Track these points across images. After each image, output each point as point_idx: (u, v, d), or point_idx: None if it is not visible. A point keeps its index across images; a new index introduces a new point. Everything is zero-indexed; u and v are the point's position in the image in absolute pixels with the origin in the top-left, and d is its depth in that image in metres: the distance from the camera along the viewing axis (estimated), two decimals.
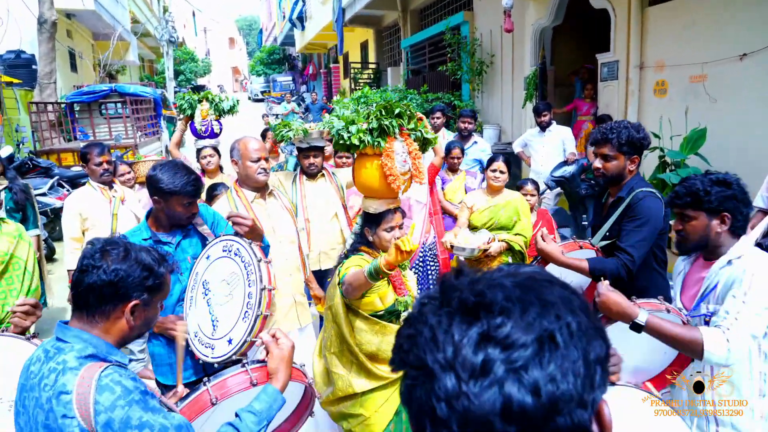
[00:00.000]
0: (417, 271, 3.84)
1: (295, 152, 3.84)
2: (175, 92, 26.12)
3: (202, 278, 2.19)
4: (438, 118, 5.47)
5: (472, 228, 3.71)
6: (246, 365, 1.62)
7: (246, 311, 1.97)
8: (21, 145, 9.14)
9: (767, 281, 1.79)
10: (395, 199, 2.39)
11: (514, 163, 6.53)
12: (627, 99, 6.76)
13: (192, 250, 2.38)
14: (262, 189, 2.97)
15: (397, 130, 2.33)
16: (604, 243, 2.56)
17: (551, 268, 2.52)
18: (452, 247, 3.55)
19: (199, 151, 4.28)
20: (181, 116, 4.12)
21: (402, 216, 2.44)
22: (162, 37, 24.69)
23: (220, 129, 4.11)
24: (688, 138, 5.29)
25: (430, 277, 3.89)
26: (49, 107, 10.42)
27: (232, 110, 4.06)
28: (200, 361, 2.17)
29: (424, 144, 2.51)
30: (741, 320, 1.77)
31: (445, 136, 5.35)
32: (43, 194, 7.11)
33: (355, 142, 2.28)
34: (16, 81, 11.36)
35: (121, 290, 1.34)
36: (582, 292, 2.64)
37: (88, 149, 3.60)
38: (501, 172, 3.69)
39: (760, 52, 5.07)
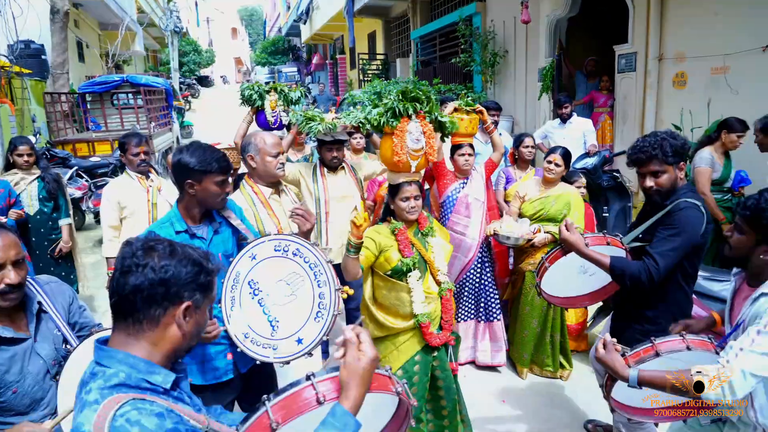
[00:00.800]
0: (476, 268, 3.80)
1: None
2: (180, 83, 26.09)
3: (245, 278, 2.15)
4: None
5: (522, 217, 3.74)
6: (312, 377, 1.36)
7: (318, 311, 2.05)
8: (38, 135, 9.16)
9: None
10: (412, 173, 2.72)
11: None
12: (645, 91, 6.76)
13: (223, 247, 2.29)
14: (276, 185, 2.96)
15: (411, 112, 2.64)
16: (634, 244, 2.53)
17: (572, 258, 2.53)
18: (496, 235, 3.58)
19: None
20: (250, 109, 4.01)
21: (419, 189, 2.69)
22: (167, 27, 24.62)
23: (289, 121, 4.07)
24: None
25: (486, 272, 3.84)
26: (63, 97, 10.43)
27: (299, 101, 4.05)
28: (258, 362, 2.18)
29: (440, 126, 2.85)
30: (741, 356, 1.68)
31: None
32: None
33: (374, 123, 2.69)
34: (26, 71, 11.37)
35: (173, 289, 1.17)
36: (602, 288, 2.68)
37: (126, 139, 3.62)
38: (557, 164, 3.67)
39: None
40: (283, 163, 2.87)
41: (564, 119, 5.93)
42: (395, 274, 2.65)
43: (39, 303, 1.88)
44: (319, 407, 1.30)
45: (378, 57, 18.59)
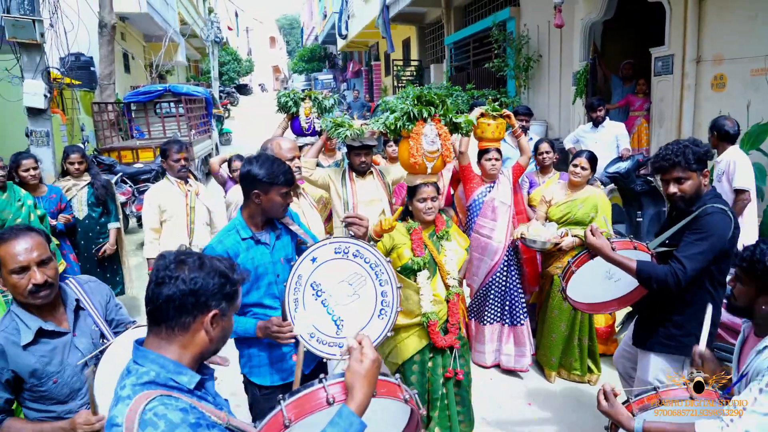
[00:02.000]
0: (502, 271, 3.82)
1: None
2: (220, 91, 26.85)
3: (308, 280, 2.22)
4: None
5: (549, 221, 3.75)
6: (323, 380, 1.48)
7: (382, 309, 2.24)
8: (86, 143, 9.63)
9: None
10: (428, 175, 2.84)
11: (563, 159, 6.51)
12: (682, 93, 6.63)
13: (284, 251, 2.38)
14: (294, 188, 3.02)
15: (426, 115, 2.81)
16: (661, 249, 2.55)
17: (598, 263, 2.55)
18: (524, 239, 3.61)
19: (300, 148, 4.34)
20: (285, 115, 4.13)
21: (435, 191, 2.81)
22: (208, 38, 25.39)
23: (320, 127, 4.19)
24: (750, 133, 5.18)
25: (512, 276, 3.86)
26: (109, 107, 10.93)
27: (332, 109, 4.17)
28: (324, 360, 2.29)
29: (455, 127, 3.00)
30: (746, 417, 1.64)
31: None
32: None
33: (391, 127, 2.90)
34: (76, 82, 11.95)
35: (201, 299, 1.27)
36: (628, 294, 2.70)
37: (167, 146, 3.82)
38: (582, 168, 3.69)
39: None
40: (299, 167, 2.95)
41: (597, 123, 5.87)
42: (404, 271, 2.77)
43: (77, 300, 2.01)
44: (329, 407, 1.41)
45: (412, 63, 18.70)
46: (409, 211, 2.91)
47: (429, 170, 2.84)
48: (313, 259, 2.24)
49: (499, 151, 3.83)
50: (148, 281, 1.31)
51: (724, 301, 2.50)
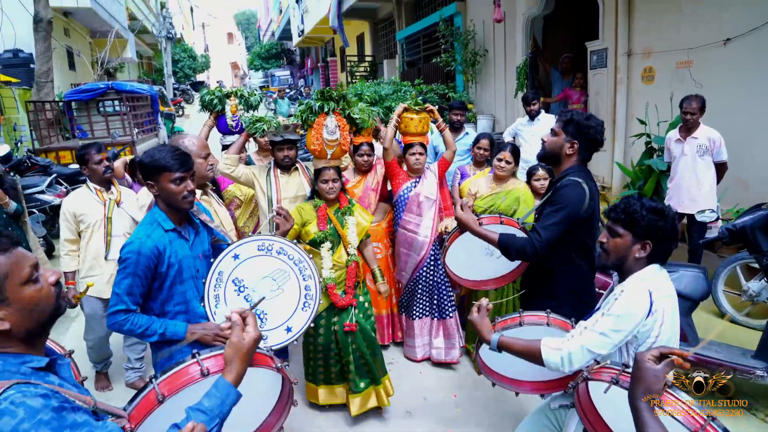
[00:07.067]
0: (429, 266, 3.83)
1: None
2: (174, 89, 26.21)
3: (229, 276, 2.26)
4: None
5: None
6: (197, 355, 1.53)
7: (306, 302, 2.42)
8: (19, 143, 9.24)
9: (624, 306, 1.79)
10: (329, 160, 3.23)
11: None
12: (616, 87, 6.81)
13: (201, 248, 2.34)
14: (203, 186, 2.98)
15: (327, 110, 3.19)
16: (528, 223, 2.74)
17: (467, 237, 2.74)
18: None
19: (225, 147, 4.23)
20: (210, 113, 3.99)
21: (336, 174, 3.19)
22: (160, 34, 24.75)
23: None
24: (674, 123, 5.35)
25: (440, 270, 3.85)
26: (47, 106, 10.51)
27: (258, 105, 4.09)
28: None
29: (352, 122, 3.36)
30: (585, 334, 1.84)
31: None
32: (42, 192, 7.21)
33: (301, 119, 3.29)
34: (13, 80, 11.46)
35: None
36: (511, 272, 2.92)
37: (84, 151, 3.62)
38: (507, 162, 3.75)
39: (743, 37, 5.12)
40: (212, 165, 2.91)
41: (532, 116, 5.96)
42: (312, 243, 3.17)
43: None
44: (204, 379, 1.49)
45: (366, 59, 18.66)
46: (316, 191, 3.27)
47: (329, 156, 3.22)
48: (236, 256, 2.30)
49: (423, 145, 3.84)
50: None
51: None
